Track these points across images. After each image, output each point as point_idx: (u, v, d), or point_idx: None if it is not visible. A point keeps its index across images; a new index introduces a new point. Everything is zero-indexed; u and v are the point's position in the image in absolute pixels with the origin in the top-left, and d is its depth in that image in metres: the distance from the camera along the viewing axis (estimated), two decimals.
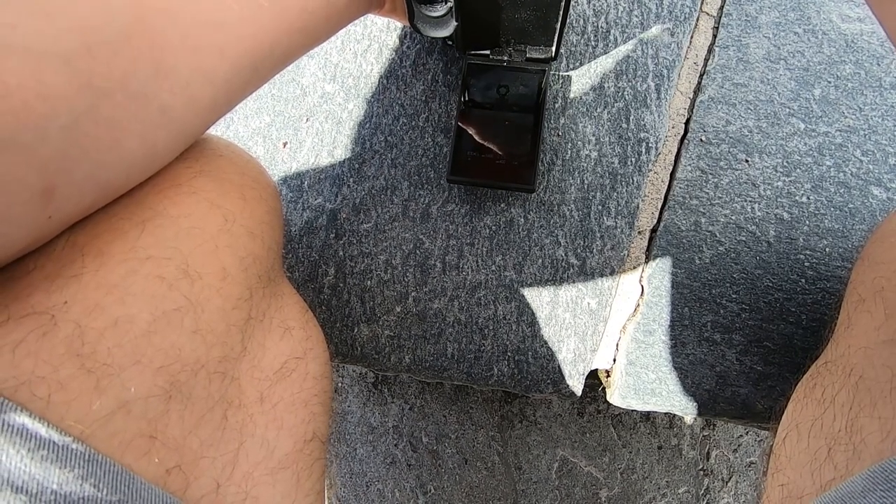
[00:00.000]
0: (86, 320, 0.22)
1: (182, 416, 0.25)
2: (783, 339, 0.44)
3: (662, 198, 0.47)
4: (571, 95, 0.47)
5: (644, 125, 0.46)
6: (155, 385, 0.24)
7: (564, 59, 0.47)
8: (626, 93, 0.47)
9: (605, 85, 0.47)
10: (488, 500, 0.67)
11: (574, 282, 0.45)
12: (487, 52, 0.43)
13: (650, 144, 0.46)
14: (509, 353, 0.46)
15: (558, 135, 0.46)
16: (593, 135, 0.46)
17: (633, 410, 0.54)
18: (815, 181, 0.45)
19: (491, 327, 0.46)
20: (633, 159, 0.46)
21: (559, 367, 0.45)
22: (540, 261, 0.46)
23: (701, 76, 0.47)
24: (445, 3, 0.35)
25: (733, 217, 0.45)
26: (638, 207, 0.46)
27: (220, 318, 0.27)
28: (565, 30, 0.40)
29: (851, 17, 0.47)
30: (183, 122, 0.27)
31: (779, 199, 0.45)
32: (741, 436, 0.68)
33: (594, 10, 0.47)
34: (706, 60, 0.48)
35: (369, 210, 0.47)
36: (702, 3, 0.48)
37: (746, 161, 0.46)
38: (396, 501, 0.69)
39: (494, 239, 0.46)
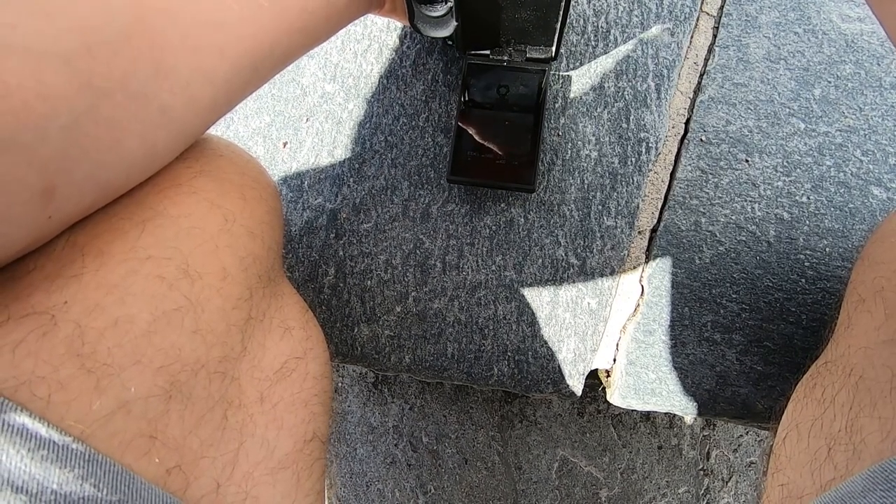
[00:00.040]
0: (86, 320, 0.22)
1: (182, 416, 0.25)
2: (783, 339, 0.44)
3: (662, 198, 0.47)
4: (571, 95, 0.47)
5: (644, 125, 0.46)
6: (155, 385, 0.24)
7: (564, 59, 0.47)
8: (626, 93, 0.47)
9: (605, 85, 0.47)
10: (488, 500, 0.67)
11: (574, 282, 0.45)
12: (487, 52, 0.43)
13: (650, 144, 0.46)
14: (509, 353, 0.46)
15: (558, 135, 0.46)
16: (593, 135, 0.46)
17: (633, 410, 0.54)
18: (816, 181, 0.45)
19: (491, 327, 0.46)
20: (633, 159, 0.46)
21: (559, 366, 0.45)
22: (540, 261, 0.46)
23: (701, 76, 0.47)
24: (445, 3, 0.35)
25: (733, 217, 0.45)
26: (638, 207, 0.46)
27: (221, 318, 0.27)
28: (565, 30, 0.40)
29: (851, 17, 0.47)
30: (183, 122, 0.27)
31: (779, 199, 0.45)
32: (741, 436, 0.68)
33: (594, 10, 0.47)
34: (706, 60, 0.48)
35: (369, 210, 0.47)
36: (702, 3, 0.48)
37: (746, 161, 0.46)
38: (396, 501, 0.69)
39: (494, 239, 0.46)
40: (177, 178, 0.28)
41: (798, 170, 0.45)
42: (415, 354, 0.46)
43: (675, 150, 0.47)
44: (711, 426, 0.68)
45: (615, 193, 0.46)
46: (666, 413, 0.56)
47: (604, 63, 0.47)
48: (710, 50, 0.48)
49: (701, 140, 0.46)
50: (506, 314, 0.46)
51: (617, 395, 0.46)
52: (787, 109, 0.46)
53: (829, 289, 0.44)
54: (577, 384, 0.46)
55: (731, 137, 0.46)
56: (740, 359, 0.44)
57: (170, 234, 0.26)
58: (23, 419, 0.20)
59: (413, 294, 0.46)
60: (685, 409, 0.45)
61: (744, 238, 0.45)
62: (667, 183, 0.47)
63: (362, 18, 0.40)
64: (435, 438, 0.68)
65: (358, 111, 0.49)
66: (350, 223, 0.47)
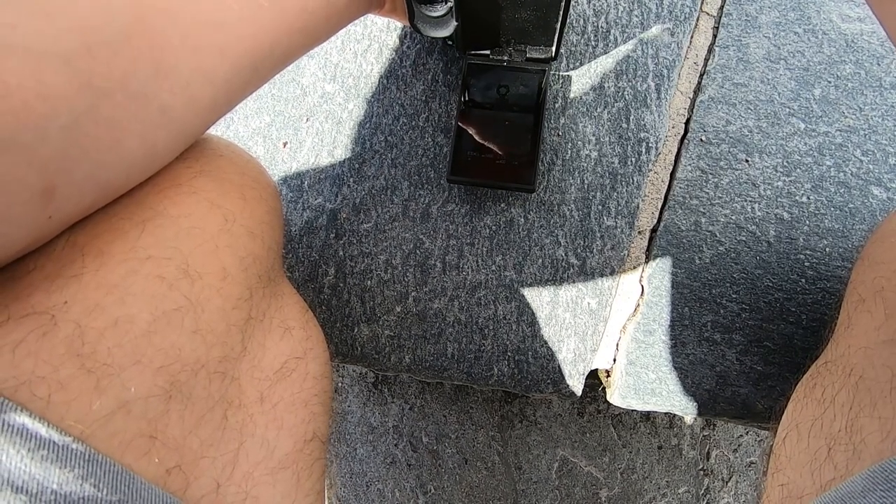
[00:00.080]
0: (86, 320, 0.22)
1: (182, 416, 0.25)
2: (783, 339, 0.44)
3: (662, 198, 0.47)
4: (571, 95, 0.47)
5: (644, 125, 0.46)
6: (155, 385, 0.24)
7: (564, 59, 0.47)
8: (626, 93, 0.47)
9: (605, 85, 0.47)
10: (488, 500, 0.67)
11: (574, 282, 0.45)
12: (487, 52, 0.43)
13: (650, 144, 0.46)
14: (509, 353, 0.46)
15: (558, 135, 0.46)
16: (593, 135, 0.46)
17: (633, 410, 0.54)
18: (816, 181, 0.45)
19: (491, 327, 0.46)
20: (633, 159, 0.46)
21: (559, 366, 0.45)
22: (540, 261, 0.46)
23: (701, 76, 0.47)
24: (445, 3, 0.35)
25: (733, 217, 0.45)
26: (638, 207, 0.46)
27: (220, 318, 0.27)
28: (565, 30, 0.40)
29: (851, 17, 0.47)
30: (183, 122, 0.27)
31: (779, 199, 0.45)
32: (741, 436, 0.68)
33: (594, 10, 0.47)
34: (706, 60, 0.48)
35: (369, 210, 0.47)
36: (702, 3, 0.48)
37: (746, 161, 0.46)
38: (396, 501, 0.69)
39: (494, 239, 0.46)
40: (177, 178, 0.28)
41: (798, 170, 0.45)
42: (415, 354, 0.46)
43: (675, 150, 0.47)
44: (711, 426, 0.68)
45: (615, 193, 0.46)
46: (666, 413, 0.56)
47: (604, 63, 0.47)
48: (710, 50, 0.48)
49: (701, 140, 0.46)
50: (506, 314, 0.46)
51: (617, 395, 0.46)
52: (787, 109, 0.46)
53: (829, 289, 0.44)
54: (577, 384, 0.46)
55: (731, 137, 0.46)
56: (740, 359, 0.44)
57: (170, 234, 0.26)
58: (23, 419, 0.20)
59: (413, 294, 0.46)
60: (685, 409, 0.45)
61: (744, 238, 0.45)
62: (667, 183, 0.47)
63: (362, 18, 0.40)
64: (435, 438, 0.68)
65: (358, 111, 0.49)
66: (350, 223, 0.47)
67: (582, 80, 0.47)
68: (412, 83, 0.48)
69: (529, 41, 0.41)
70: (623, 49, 0.47)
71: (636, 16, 0.47)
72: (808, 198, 0.45)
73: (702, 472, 0.68)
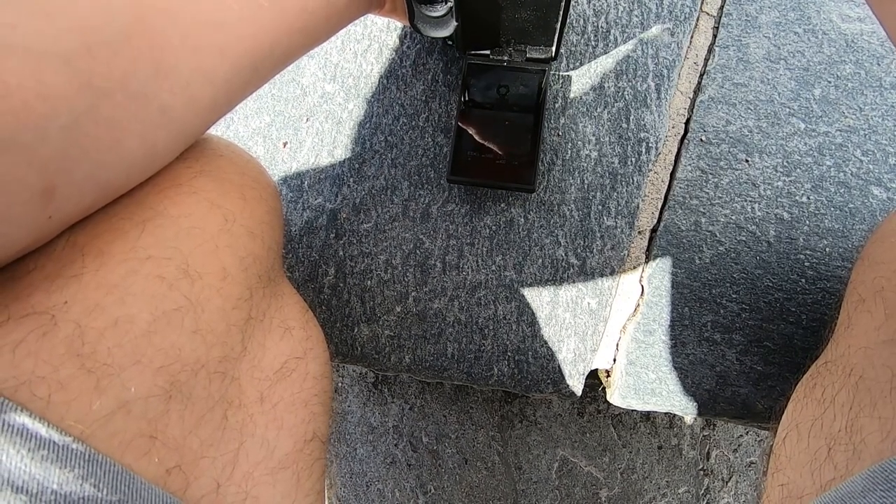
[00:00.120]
0: (86, 320, 0.22)
1: (182, 416, 0.25)
2: (783, 339, 0.44)
3: (662, 198, 0.47)
4: (571, 95, 0.47)
5: (644, 125, 0.46)
6: (155, 385, 0.24)
7: (564, 59, 0.47)
8: (626, 93, 0.47)
9: (605, 85, 0.47)
10: (488, 500, 0.67)
11: (574, 282, 0.45)
12: (487, 52, 0.43)
13: (650, 144, 0.46)
14: (509, 353, 0.46)
15: (558, 135, 0.46)
16: (593, 135, 0.46)
17: (633, 410, 0.54)
18: (816, 181, 0.45)
19: (491, 327, 0.46)
20: (633, 159, 0.46)
21: (559, 366, 0.45)
22: (540, 261, 0.46)
23: (701, 76, 0.47)
24: (445, 3, 0.35)
25: (733, 217, 0.45)
26: (638, 207, 0.46)
27: (220, 318, 0.27)
28: (565, 30, 0.40)
29: (851, 17, 0.47)
30: (183, 122, 0.27)
31: (779, 199, 0.45)
32: (741, 436, 0.68)
33: (594, 10, 0.47)
34: (706, 60, 0.48)
35: (369, 210, 0.47)
36: (702, 3, 0.48)
37: (746, 161, 0.46)
38: (396, 501, 0.69)
39: (494, 239, 0.46)
40: (177, 178, 0.28)
41: (798, 170, 0.45)
42: (415, 354, 0.46)
43: (675, 150, 0.47)
44: (711, 426, 0.68)
45: (615, 193, 0.46)
46: (666, 413, 0.56)
47: (604, 63, 0.47)
48: (710, 50, 0.48)
49: (701, 140, 0.46)
50: (506, 314, 0.46)
51: (617, 395, 0.46)
52: (787, 109, 0.46)
53: (829, 289, 0.44)
54: (577, 384, 0.46)
55: (731, 137, 0.46)
56: (740, 359, 0.44)
57: (170, 234, 0.26)
58: (23, 419, 0.20)
59: (413, 294, 0.46)
60: (685, 409, 0.45)
61: (744, 238, 0.45)
62: (667, 183, 0.47)
63: (362, 18, 0.40)
64: (435, 438, 0.68)
65: (358, 111, 0.49)
66: (350, 223, 0.47)
67: (582, 80, 0.47)
68: (412, 83, 0.48)
69: (529, 41, 0.41)
70: (623, 49, 0.47)
71: (636, 16, 0.47)
72: (808, 198, 0.45)
73: (702, 472, 0.68)
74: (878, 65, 0.47)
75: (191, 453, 0.25)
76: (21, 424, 0.20)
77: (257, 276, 0.30)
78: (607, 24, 0.47)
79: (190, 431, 0.25)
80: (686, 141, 0.47)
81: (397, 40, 0.49)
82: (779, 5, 0.48)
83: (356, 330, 0.47)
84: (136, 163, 0.25)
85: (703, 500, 0.68)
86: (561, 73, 0.47)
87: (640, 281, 0.46)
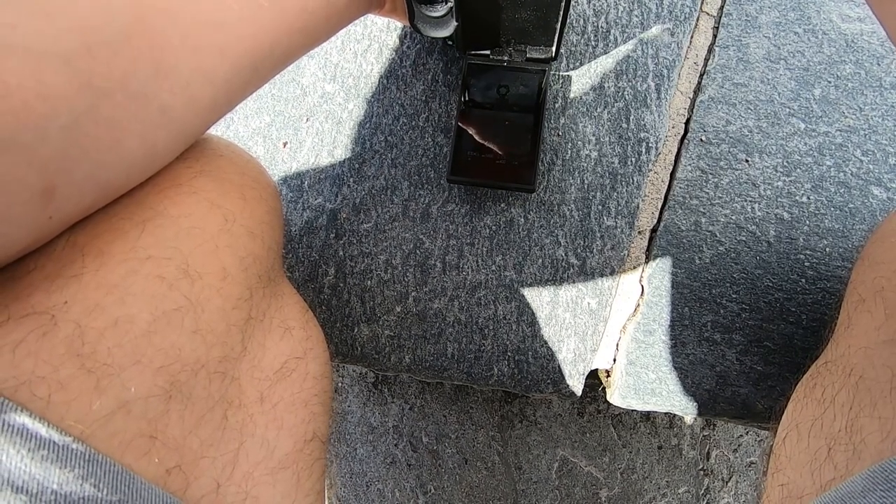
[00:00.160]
0: (86, 320, 0.22)
1: (182, 416, 0.25)
2: (783, 339, 0.44)
3: (662, 198, 0.47)
4: (571, 95, 0.47)
5: (644, 125, 0.46)
6: (155, 385, 0.24)
7: (564, 59, 0.47)
8: (626, 93, 0.47)
9: (605, 85, 0.47)
10: (488, 500, 0.67)
11: (574, 282, 0.45)
12: (487, 52, 0.43)
13: (650, 144, 0.46)
14: (509, 353, 0.46)
15: (558, 135, 0.46)
16: (593, 135, 0.46)
17: (633, 410, 0.54)
18: (816, 181, 0.45)
19: (491, 327, 0.46)
20: (633, 159, 0.46)
21: (559, 366, 0.45)
22: (540, 261, 0.46)
23: (701, 76, 0.47)
24: (445, 3, 0.35)
25: (733, 217, 0.45)
26: (638, 207, 0.46)
27: (220, 318, 0.27)
28: (565, 30, 0.40)
29: (851, 17, 0.47)
30: (183, 122, 0.27)
31: (779, 199, 0.45)
32: (741, 436, 0.68)
33: (594, 10, 0.47)
34: (706, 60, 0.48)
35: (369, 210, 0.47)
36: (702, 3, 0.48)
37: (746, 161, 0.46)
38: (396, 501, 0.69)
39: (494, 239, 0.46)
40: (177, 178, 0.28)
41: (798, 170, 0.45)
42: (415, 354, 0.46)
43: (675, 150, 0.47)
44: (711, 426, 0.68)
45: (615, 193, 0.46)
46: (666, 413, 0.56)
47: (604, 63, 0.47)
48: (710, 50, 0.48)
49: (701, 140, 0.46)
50: (506, 314, 0.46)
51: (617, 395, 0.46)
52: (787, 109, 0.46)
53: (829, 289, 0.44)
54: (577, 384, 0.46)
55: (731, 137, 0.46)
56: (740, 359, 0.44)
57: (170, 234, 0.26)
58: (23, 419, 0.20)
59: (413, 294, 0.46)
60: (685, 409, 0.45)
61: (744, 238, 0.45)
62: (667, 183, 0.47)
63: (362, 18, 0.40)
64: (435, 438, 0.68)
65: (358, 111, 0.49)
66: (350, 223, 0.47)
67: (582, 80, 0.47)
68: (412, 83, 0.48)
69: (529, 41, 0.41)
70: (623, 49, 0.47)
71: (636, 16, 0.47)
72: (808, 198, 0.45)
73: (702, 472, 0.68)
74: (878, 65, 0.47)
75: (191, 453, 0.25)
76: (21, 424, 0.20)
77: (257, 276, 0.30)
78: (607, 24, 0.47)
79: (190, 431, 0.25)
80: (686, 141, 0.47)
81: (397, 40, 0.49)
82: (779, 5, 0.48)
83: (356, 330, 0.47)
84: (136, 163, 0.25)
85: (703, 500, 0.68)
86: (561, 73, 0.47)
87: (640, 281, 0.46)
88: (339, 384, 0.70)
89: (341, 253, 0.47)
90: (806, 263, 0.44)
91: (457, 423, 0.67)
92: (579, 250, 0.45)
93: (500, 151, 0.43)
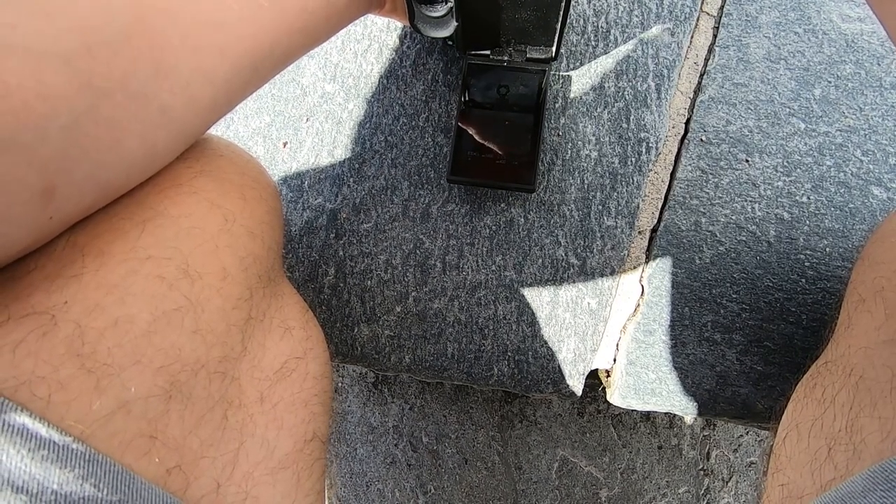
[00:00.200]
0: (86, 320, 0.22)
1: (182, 416, 0.25)
2: (783, 339, 0.44)
3: (662, 198, 0.47)
4: (571, 95, 0.47)
5: (644, 125, 0.46)
6: (155, 385, 0.24)
7: (564, 59, 0.47)
8: (626, 93, 0.47)
9: (606, 85, 0.47)
10: (488, 500, 0.67)
11: (574, 282, 0.45)
12: (487, 52, 0.43)
13: (650, 144, 0.46)
14: (509, 353, 0.46)
15: (558, 135, 0.46)
16: (593, 135, 0.46)
17: (633, 410, 0.54)
18: (816, 181, 0.45)
19: (491, 327, 0.46)
20: (633, 159, 0.46)
21: (559, 366, 0.45)
22: (540, 261, 0.46)
23: (701, 76, 0.47)
24: (446, 4, 0.35)
25: (733, 217, 0.45)
26: (638, 207, 0.46)
27: (220, 318, 0.27)
28: (565, 30, 0.40)
29: (852, 17, 0.47)
30: (183, 122, 0.27)
31: (779, 199, 0.45)
32: (741, 436, 0.68)
33: (594, 10, 0.47)
34: (706, 60, 0.48)
35: (369, 210, 0.47)
36: (702, 3, 0.48)
37: (747, 161, 0.46)
38: (396, 501, 0.69)
39: (494, 239, 0.46)
40: (177, 178, 0.28)
41: (798, 170, 0.45)
42: (415, 354, 0.46)
43: (675, 150, 0.47)
44: (711, 426, 0.68)
45: (615, 193, 0.46)
46: (666, 413, 0.56)
47: (604, 63, 0.47)
48: (711, 50, 0.48)
49: (701, 140, 0.46)
50: (506, 314, 0.46)
51: (617, 395, 0.46)
52: (788, 109, 0.46)
53: (829, 289, 0.44)
54: (577, 384, 0.46)
55: (731, 137, 0.46)
56: (740, 359, 0.44)
57: (170, 234, 0.26)
58: (23, 419, 0.20)
59: (413, 294, 0.46)
60: (685, 409, 0.45)
61: (744, 238, 0.45)
62: (667, 183, 0.47)
63: (362, 18, 0.40)
64: (435, 438, 0.68)
65: (358, 111, 0.49)
66: (350, 223, 0.47)
67: (582, 80, 0.47)
68: (412, 83, 0.48)
69: (529, 41, 0.41)
70: (623, 49, 0.47)
71: (636, 16, 0.47)
72: (809, 198, 0.45)
73: (702, 472, 0.68)
74: (878, 65, 0.47)
75: (191, 453, 0.25)
76: (21, 424, 0.20)
77: (257, 276, 0.30)
78: (607, 24, 0.47)
79: (190, 431, 0.25)
80: (686, 141, 0.47)
81: (397, 40, 0.49)
82: (779, 5, 0.48)
83: (356, 330, 0.47)
84: (136, 163, 0.25)
85: (703, 500, 0.68)
86: (561, 73, 0.47)
87: (640, 281, 0.46)
88: (339, 384, 0.70)
89: (341, 253, 0.47)
90: (806, 263, 0.44)
91: (457, 423, 0.67)
92: (579, 250, 0.45)
93: (500, 151, 0.43)
